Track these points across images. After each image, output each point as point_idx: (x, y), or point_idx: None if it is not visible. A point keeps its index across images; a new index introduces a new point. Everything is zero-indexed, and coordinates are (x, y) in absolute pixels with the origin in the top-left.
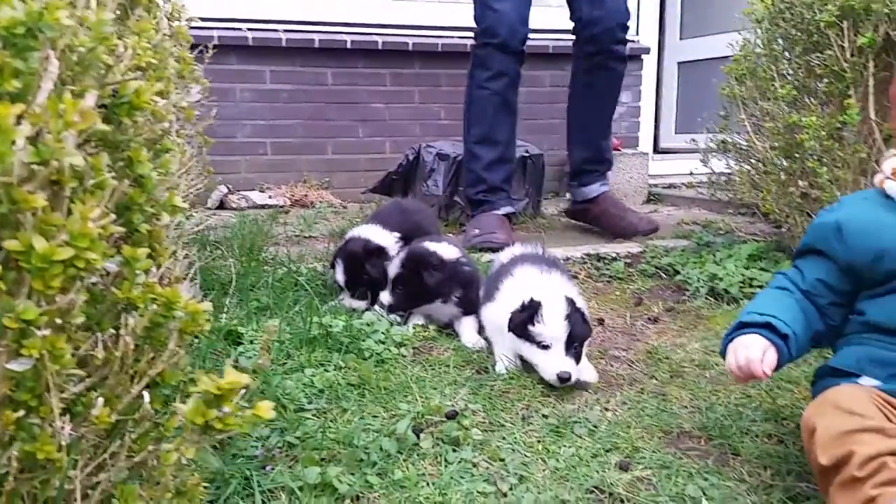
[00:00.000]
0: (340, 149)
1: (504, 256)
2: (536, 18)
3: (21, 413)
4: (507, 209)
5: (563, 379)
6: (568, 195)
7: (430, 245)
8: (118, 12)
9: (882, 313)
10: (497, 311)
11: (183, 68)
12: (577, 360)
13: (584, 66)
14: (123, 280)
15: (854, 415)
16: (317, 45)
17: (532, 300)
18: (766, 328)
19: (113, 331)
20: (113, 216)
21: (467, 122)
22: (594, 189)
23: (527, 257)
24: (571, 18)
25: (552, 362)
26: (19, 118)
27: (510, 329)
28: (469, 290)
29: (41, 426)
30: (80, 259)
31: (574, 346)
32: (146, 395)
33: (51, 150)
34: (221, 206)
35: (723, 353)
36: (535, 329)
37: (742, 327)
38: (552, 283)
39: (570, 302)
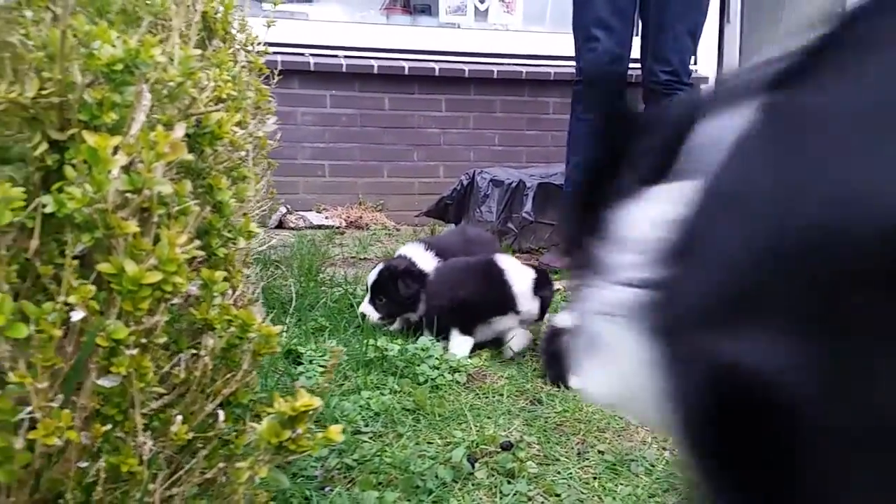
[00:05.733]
0: (395, 172)
1: None
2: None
3: (108, 427)
4: None
5: None
6: None
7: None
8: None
9: None
10: None
11: (259, 99)
12: None
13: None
14: (201, 301)
15: None
16: (375, 70)
17: None
18: None
19: (192, 352)
20: (197, 241)
21: (567, 151)
22: None
23: None
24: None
25: None
26: (115, 149)
27: None
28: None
29: (125, 440)
30: (168, 283)
31: None
32: (221, 413)
33: (143, 180)
34: (280, 225)
35: None
36: None
37: None
38: None
39: None
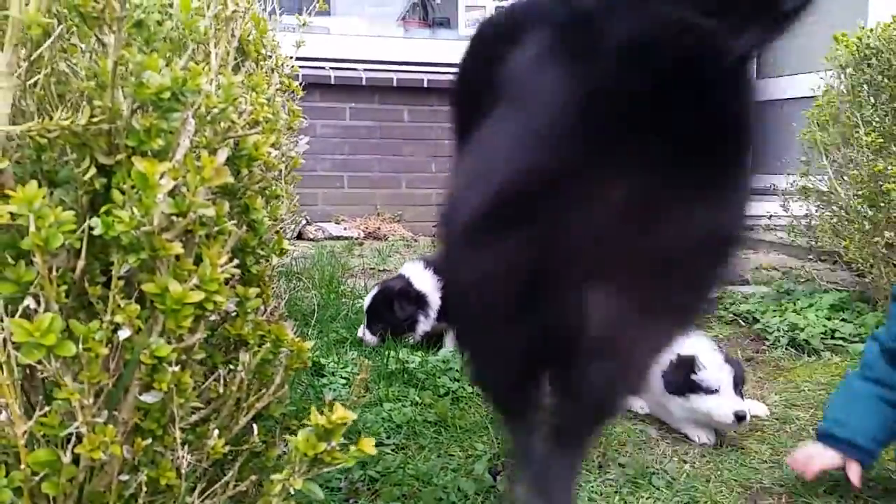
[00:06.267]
0: (413, 183)
1: None
2: None
3: (148, 441)
4: None
5: (741, 417)
6: None
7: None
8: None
9: None
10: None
11: (291, 120)
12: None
13: None
14: (235, 317)
15: None
16: (395, 83)
17: (679, 356)
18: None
19: (229, 367)
20: (236, 261)
21: None
22: None
23: None
24: None
25: (726, 403)
26: (162, 174)
27: (670, 391)
28: None
29: (163, 454)
30: (210, 301)
31: (739, 388)
32: (255, 427)
33: (188, 203)
34: (299, 236)
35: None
36: (700, 376)
37: (827, 436)
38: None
39: (721, 350)
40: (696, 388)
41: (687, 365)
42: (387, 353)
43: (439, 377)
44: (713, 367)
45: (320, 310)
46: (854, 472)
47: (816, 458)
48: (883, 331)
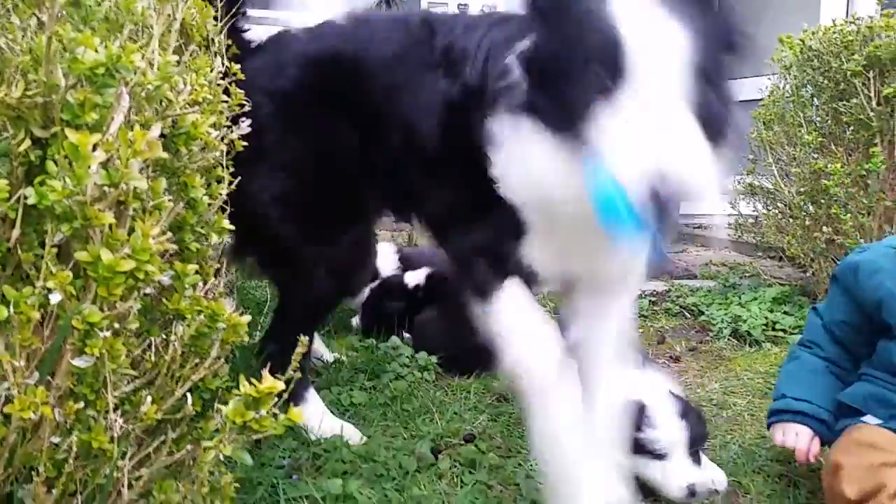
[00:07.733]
0: None
1: None
2: None
3: (81, 405)
4: None
5: (693, 492)
6: None
7: None
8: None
9: (887, 355)
10: None
11: (233, 103)
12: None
13: None
14: (173, 292)
15: (879, 449)
16: None
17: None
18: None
19: (163, 337)
20: (169, 234)
21: None
22: None
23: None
24: None
25: (676, 473)
26: (94, 146)
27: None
28: None
29: (97, 418)
30: (140, 271)
31: (696, 450)
32: (189, 397)
33: (120, 175)
34: None
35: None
36: (647, 435)
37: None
38: (646, 376)
39: (678, 398)
40: (641, 449)
41: (632, 417)
42: (338, 340)
43: (389, 363)
44: (664, 425)
45: (274, 298)
46: (814, 449)
47: (803, 436)
48: (824, 309)
